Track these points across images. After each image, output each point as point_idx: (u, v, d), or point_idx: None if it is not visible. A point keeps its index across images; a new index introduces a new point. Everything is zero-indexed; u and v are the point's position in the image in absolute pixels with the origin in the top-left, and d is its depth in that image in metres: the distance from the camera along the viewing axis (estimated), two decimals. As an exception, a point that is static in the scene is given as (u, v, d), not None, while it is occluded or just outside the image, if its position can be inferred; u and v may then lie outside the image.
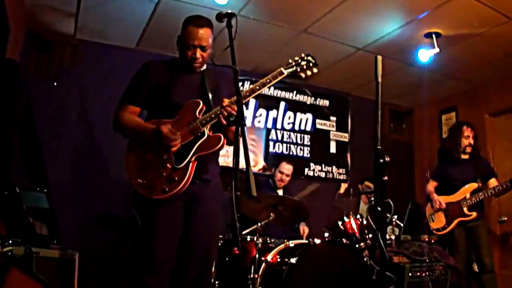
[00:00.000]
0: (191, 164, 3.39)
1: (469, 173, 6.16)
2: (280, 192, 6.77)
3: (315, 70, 3.62)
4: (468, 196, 6.05)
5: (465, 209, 6.02)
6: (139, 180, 3.39)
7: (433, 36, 6.36)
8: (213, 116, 3.39)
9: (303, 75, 3.64)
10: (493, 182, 6.06)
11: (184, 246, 3.47)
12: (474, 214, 5.99)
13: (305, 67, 3.59)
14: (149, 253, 3.36)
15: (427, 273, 5.45)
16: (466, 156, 6.30)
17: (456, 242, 6.10)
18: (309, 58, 3.62)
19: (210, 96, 3.58)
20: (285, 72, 3.51)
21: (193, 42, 3.49)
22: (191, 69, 3.62)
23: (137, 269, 3.42)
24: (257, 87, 3.43)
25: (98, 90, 6.83)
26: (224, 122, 3.34)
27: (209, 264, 3.63)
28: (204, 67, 3.75)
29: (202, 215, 3.52)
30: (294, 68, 3.56)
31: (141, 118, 3.62)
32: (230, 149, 3.22)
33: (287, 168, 6.88)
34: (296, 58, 3.61)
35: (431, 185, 6.50)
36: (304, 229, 6.68)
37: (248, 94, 3.44)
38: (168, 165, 3.38)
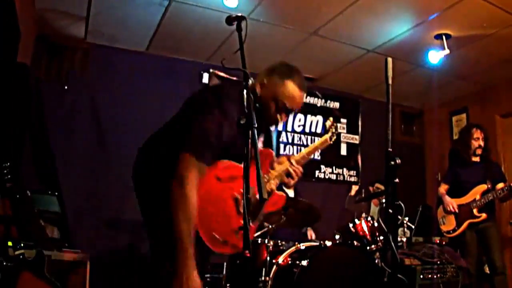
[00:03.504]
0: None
1: (480, 175, 6.14)
2: (291, 193, 6.75)
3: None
4: (478, 197, 6.04)
5: (475, 210, 6.01)
6: (214, 234, 2.85)
7: (443, 37, 6.35)
8: (284, 174, 3.32)
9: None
10: (501, 186, 6.03)
11: None
12: (484, 215, 5.97)
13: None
14: None
15: (439, 275, 5.44)
16: (477, 159, 6.28)
17: (467, 244, 6.09)
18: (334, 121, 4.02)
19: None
20: (331, 141, 4.02)
21: (291, 106, 3.15)
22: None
23: None
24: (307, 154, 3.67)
25: (108, 93, 6.83)
26: (291, 182, 3.37)
27: None
28: None
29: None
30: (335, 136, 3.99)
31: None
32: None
33: None
34: (333, 130, 4.02)
35: (443, 188, 6.48)
36: (311, 234, 6.67)
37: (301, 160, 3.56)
38: (241, 220, 2.85)
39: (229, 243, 2.89)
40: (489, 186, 6.04)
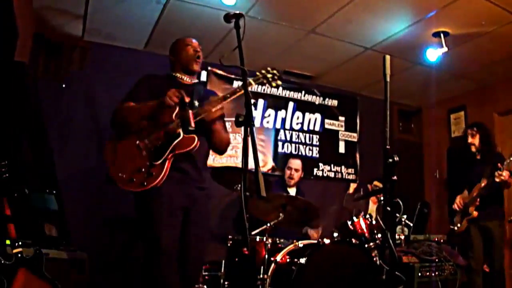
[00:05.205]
0: (167, 161, 3.70)
1: (482, 172, 6.15)
2: (293, 192, 6.74)
3: (279, 82, 4.04)
4: (475, 194, 6.07)
5: (470, 208, 6.04)
6: (120, 174, 3.72)
7: (441, 35, 6.34)
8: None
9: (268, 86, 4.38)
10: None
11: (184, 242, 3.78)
12: (475, 213, 6.00)
13: (270, 79, 4.00)
14: (157, 240, 3.59)
15: (437, 273, 5.45)
16: (479, 156, 6.31)
17: (471, 240, 6.09)
18: (275, 71, 4.03)
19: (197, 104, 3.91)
20: (254, 83, 3.95)
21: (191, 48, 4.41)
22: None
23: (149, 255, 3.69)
24: (229, 95, 3.86)
25: (106, 91, 6.80)
26: (192, 125, 3.71)
27: (202, 258, 4.09)
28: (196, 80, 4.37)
29: (199, 218, 3.89)
30: (261, 80, 4.00)
31: None
32: (239, 149, 3.22)
33: (294, 162, 6.87)
34: (263, 72, 4.01)
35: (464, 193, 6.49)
36: (312, 233, 6.63)
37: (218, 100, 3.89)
38: (146, 161, 3.69)
39: (135, 181, 3.65)
40: (484, 183, 6.05)
